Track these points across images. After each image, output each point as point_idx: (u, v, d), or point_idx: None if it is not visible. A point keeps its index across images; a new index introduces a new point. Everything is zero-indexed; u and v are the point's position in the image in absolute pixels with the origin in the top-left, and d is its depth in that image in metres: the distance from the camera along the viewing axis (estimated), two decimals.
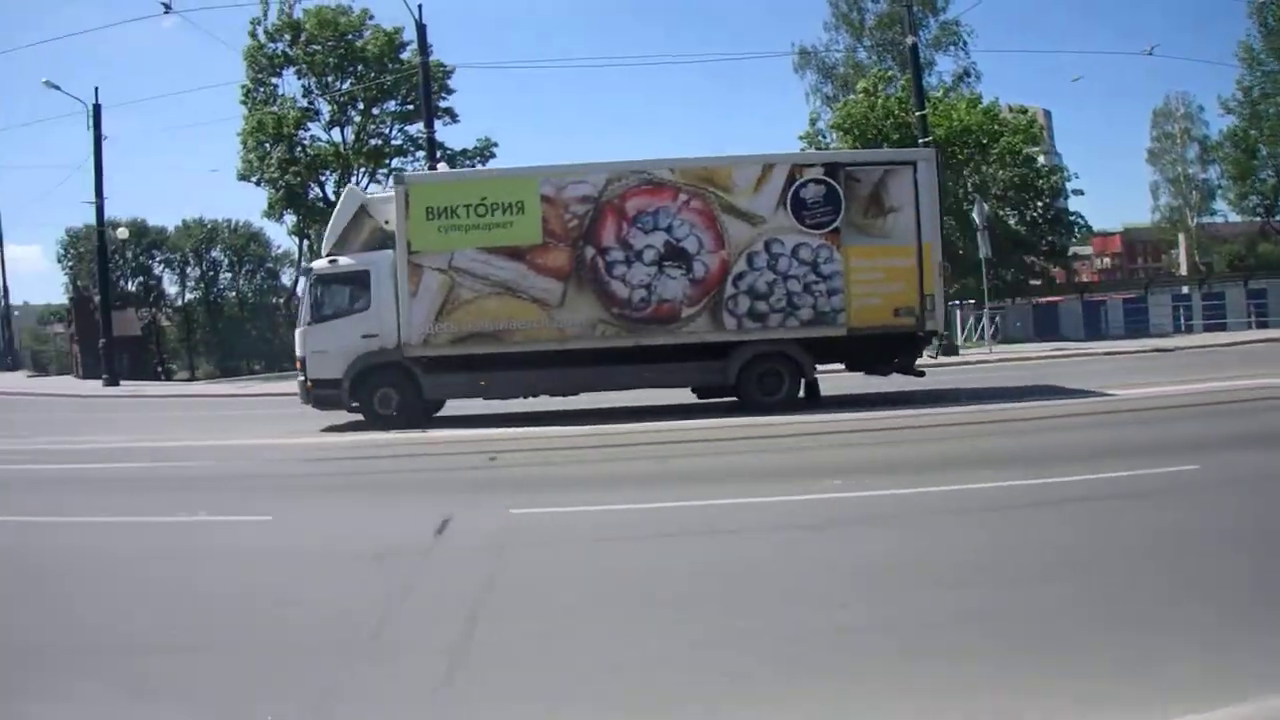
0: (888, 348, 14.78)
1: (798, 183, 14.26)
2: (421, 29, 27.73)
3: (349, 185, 15.32)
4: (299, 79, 36.41)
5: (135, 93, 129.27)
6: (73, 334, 44.58)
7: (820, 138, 36.07)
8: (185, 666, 4.50)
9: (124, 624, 5.21)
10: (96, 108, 31.48)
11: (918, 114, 26.29)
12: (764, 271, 14.23)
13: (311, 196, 37.05)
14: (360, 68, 35.53)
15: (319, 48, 35.28)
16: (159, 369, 54.90)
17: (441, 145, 32.04)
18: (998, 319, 30.96)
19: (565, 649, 4.47)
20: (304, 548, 6.79)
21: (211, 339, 63.24)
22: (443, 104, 34.89)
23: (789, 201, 14.21)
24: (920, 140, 24.77)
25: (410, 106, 35.65)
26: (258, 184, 35.81)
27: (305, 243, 40.71)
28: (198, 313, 63.36)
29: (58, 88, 31.09)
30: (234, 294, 65.89)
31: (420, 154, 35.99)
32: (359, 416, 14.47)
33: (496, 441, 11.87)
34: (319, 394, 14.71)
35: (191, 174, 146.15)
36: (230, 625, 5.12)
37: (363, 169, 37.22)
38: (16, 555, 7.01)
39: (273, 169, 34.77)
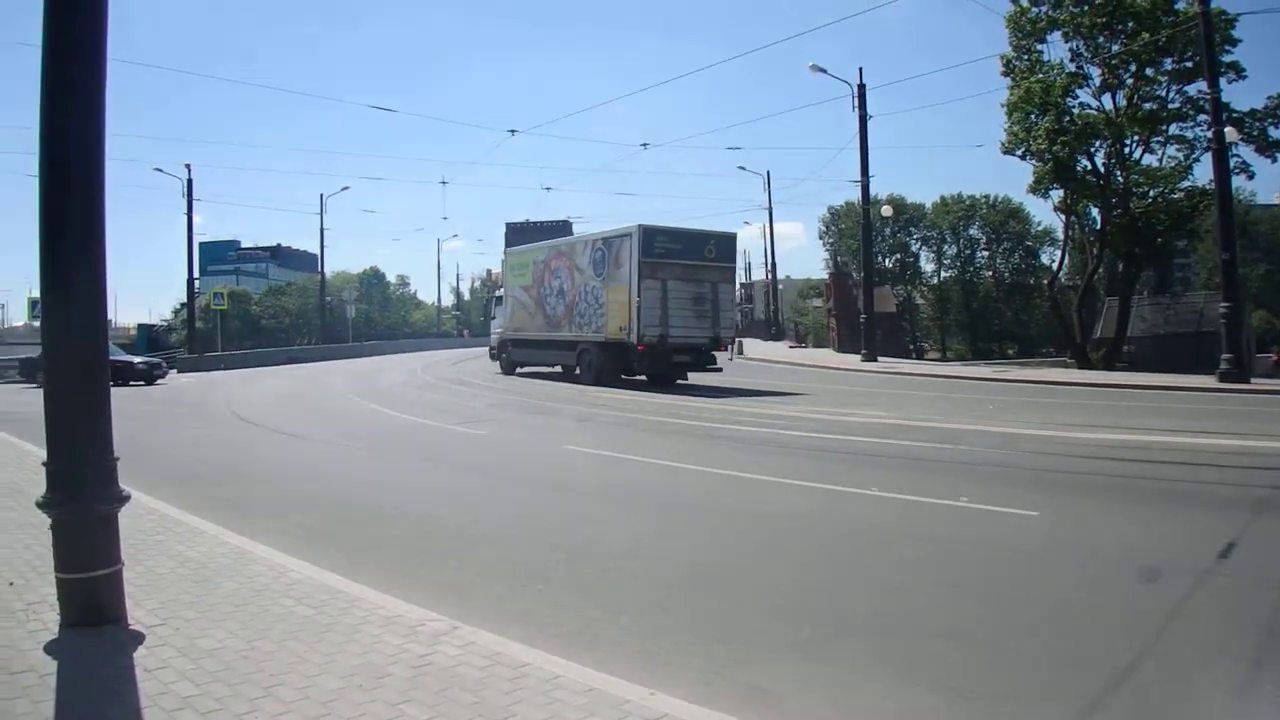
0: (627, 353, 24.83)
1: (594, 250, 26.29)
2: None
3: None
4: (1065, 42, 35.67)
5: (895, 72, 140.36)
6: (830, 308, 50.71)
7: None
8: (938, 650, 4.92)
9: (876, 600, 5.93)
10: (860, 88, 34.81)
11: None
12: (582, 302, 26.73)
13: (1080, 169, 36.07)
14: (1130, 24, 33.48)
15: (1085, 7, 34.18)
16: (911, 347, 59.79)
17: (1226, 106, 28.65)
18: None
19: None
20: (1066, 550, 6.95)
21: (964, 318, 66.09)
22: (1225, 59, 31.21)
23: (591, 262, 26.30)
24: None
25: (1188, 64, 32.66)
26: (1023, 157, 36.03)
27: (1072, 218, 39.78)
28: (952, 291, 66.70)
29: (824, 71, 34.43)
30: (990, 273, 67.52)
31: (1201, 117, 32.76)
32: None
33: None
34: (492, 355, 35.56)
35: (950, 149, 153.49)
36: (986, 619, 5.45)
37: (1135, 137, 35.08)
38: (809, 519, 8.58)
39: (1040, 140, 34.54)
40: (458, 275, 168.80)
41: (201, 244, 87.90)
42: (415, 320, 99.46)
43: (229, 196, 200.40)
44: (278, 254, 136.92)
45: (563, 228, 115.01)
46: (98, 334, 5.03)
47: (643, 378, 25.50)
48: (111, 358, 33.62)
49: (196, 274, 55.36)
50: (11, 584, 5.91)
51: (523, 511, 9.04)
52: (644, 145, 70.16)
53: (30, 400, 14.53)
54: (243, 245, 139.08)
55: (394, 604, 5.46)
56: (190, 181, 49.88)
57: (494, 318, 35.48)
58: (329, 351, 57.50)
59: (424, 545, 7.59)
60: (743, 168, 54.82)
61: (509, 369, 31.80)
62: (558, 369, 29.65)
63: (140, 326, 64.77)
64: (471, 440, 14.75)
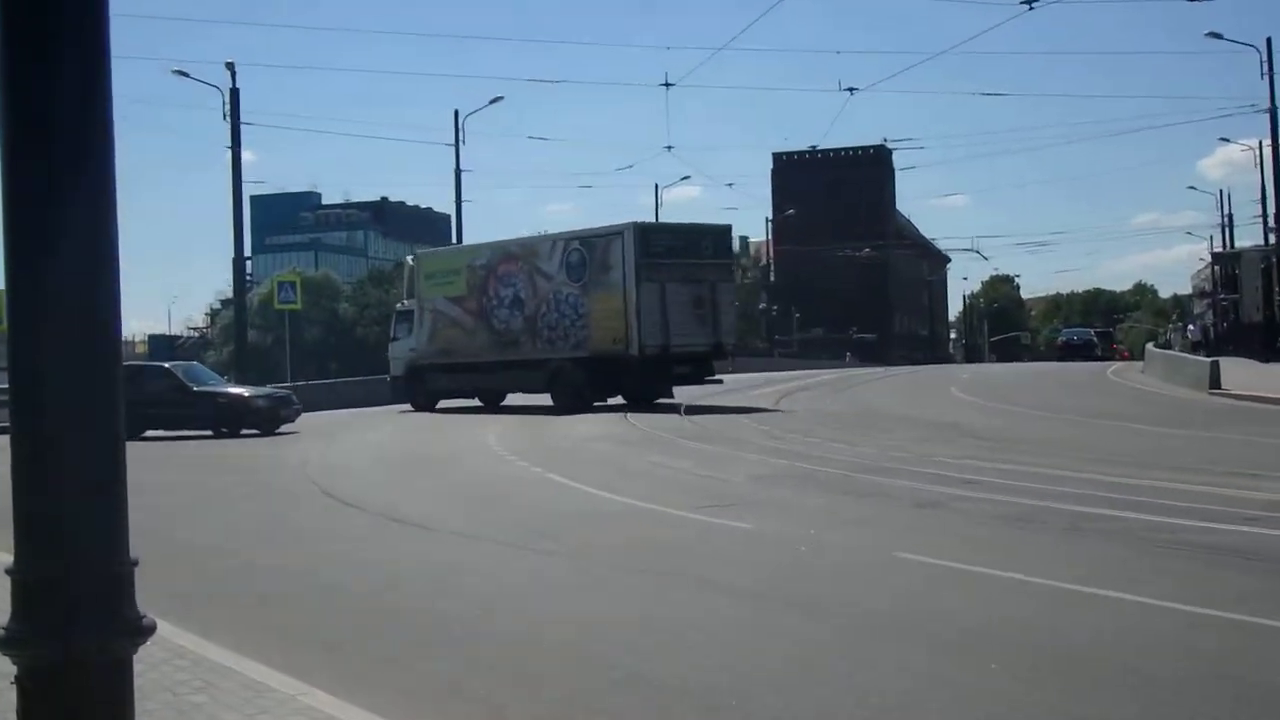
0: (618, 369, 23.77)
1: (568, 251, 25.12)
2: None
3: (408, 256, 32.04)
4: None
5: None
6: None
7: None
8: None
9: None
10: None
11: None
12: (553, 313, 25.15)
13: None
14: None
15: None
16: None
17: None
18: None
19: None
20: None
21: None
22: None
23: (564, 266, 25.05)
24: None
25: None
26: None
27: None
28: None
29: None
30: None
31: None
32: None
33: None
34: (393, 387, 29.70)
35: None
36: None
37: None
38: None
39: None
40: None
41: (255, 198, 61.38)
42: None
43: (297, 119, 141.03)
44: (382, 214, 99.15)
45: (879, 159, 75.82)
46: (109, 346, 3.06)
47: (619, 399, 24.41)
48: (211, 388, 23.63)
49: (248, 250, 39.86)
50: None
51: (817, 669, 5.70)
52: (1028, 5, 37.57)
53: None
54: (324, 201, 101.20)
55: None
56: (235, 92, 32.17)
57: (395, 338, 29.82)
58: None
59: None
60: (1217, 35, 33.85)
61: (426, 402, 27.38)
62: (475, 400, 27.34)
63: (153, 338, 46.44)
64: (731, 539, 9.68)
